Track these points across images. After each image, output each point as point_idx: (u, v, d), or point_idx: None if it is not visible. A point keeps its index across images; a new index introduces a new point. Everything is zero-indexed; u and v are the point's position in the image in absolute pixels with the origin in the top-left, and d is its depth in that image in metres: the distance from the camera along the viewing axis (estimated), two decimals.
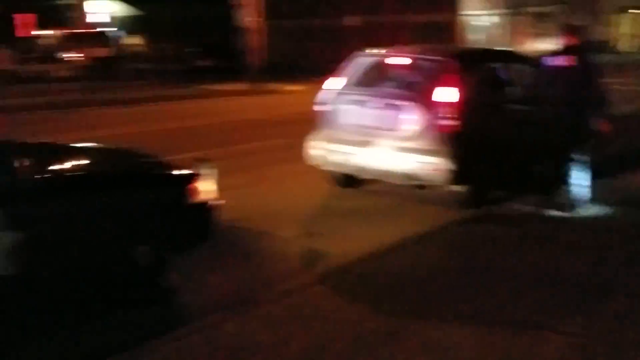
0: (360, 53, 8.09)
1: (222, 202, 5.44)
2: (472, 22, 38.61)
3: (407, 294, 4.95)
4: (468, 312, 4.61)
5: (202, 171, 5.32)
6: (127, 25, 36.36)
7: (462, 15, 37.19)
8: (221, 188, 8.02)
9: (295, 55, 39.12)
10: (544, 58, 7.18)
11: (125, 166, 5.46)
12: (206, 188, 5.29)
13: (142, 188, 5.03)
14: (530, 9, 41.06)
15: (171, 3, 36.80)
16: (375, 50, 8.11)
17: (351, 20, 33.74)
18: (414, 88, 7.28)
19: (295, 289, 5.05)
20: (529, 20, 42.14)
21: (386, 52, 7.91)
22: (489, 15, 39.34)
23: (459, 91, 6.97)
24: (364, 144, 7.36)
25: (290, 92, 22.82)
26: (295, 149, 8.69)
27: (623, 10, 52.17)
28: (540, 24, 43.46)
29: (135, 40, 36.17)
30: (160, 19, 37.04)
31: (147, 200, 4.93)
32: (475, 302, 4.78)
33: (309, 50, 39.04)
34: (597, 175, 7.80)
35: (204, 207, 5.31)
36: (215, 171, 5.44)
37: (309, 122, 8.12)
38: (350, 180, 8.14)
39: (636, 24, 51.60)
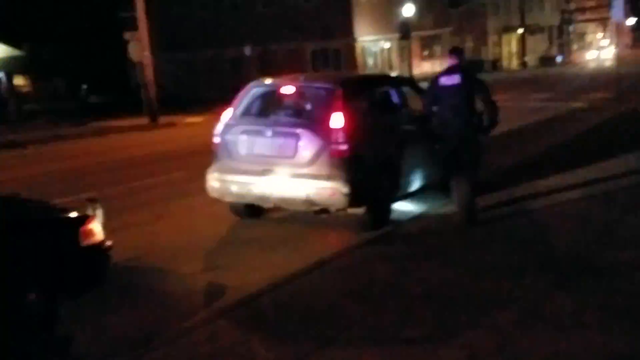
0: (255, 83, 8.15)
1: (110, 243, 5.29)
2: (368, 47, 39.72)
3: (310, 320, 4.96)
4: (371, 333, 4.68)
5: (91, 212, 5.17)
6: (7, 66, 34.80)
7: (357, 41, 38.16)
8: (120, 227, 7.88)
9: (195, 87, 38.92)
10: (435, 78, 7.55)
11: (9, 213, 5.21)
12: (98, 229, 5.14)
13: (30, 235, 4.82)
14: (420, 33, 42.69)
15: (58, 41, 35.66)
16: (268, 80, 8.19)
17: (250, 50, 33.89)
18: (306, 115, 7.41)
19: (197, 326, 4.96)
20: (420, 43, 43.81)
21: (278, 81, 8.01)
22: (383, 40, 40.57)
23: (348, 116, 7.13)
24: (262, 172, 7.37)
25: (191, 124, 22.60)
26: (196, 182, 8.60)
27: (506, 30, 55.28)
28: (430, 47, 45.36)
29: (19, 81, 34.74)
30: (45, 58, 35.79)
31: (35, 246, 4.73)
32: (377, 322, 4.86)
33: (209, 81, 38.95)
34: (486, 187, 8.16)
35: (98, 249, 5.16)
36: (101, 212, 5.31)
37: (210, 153, 8.06)
38: (251, 210, 8.13)
39: (519, 43, 54.65)
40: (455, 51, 7.56)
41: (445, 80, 7.29)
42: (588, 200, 8.07)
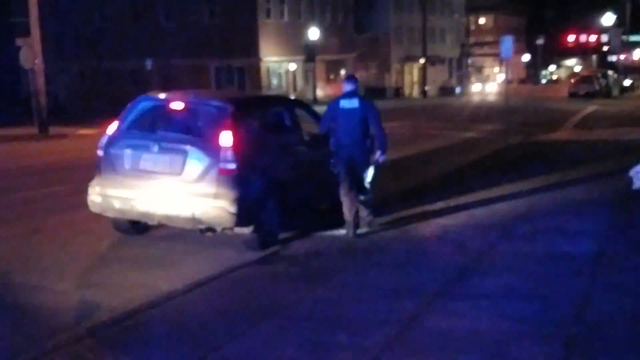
0: (143, 97, 7.98)
1: None
2: (273, 68, 39.96)
3: (183, 341, 4.87)
4: (242, 353, 4.65)
5: None
6: None
7: (263, 61, 38.32)
8: None
9: (92, 98, 37.80)
10: (335, 100, 8.05)
11: None
12: None
13: None
14: (326, 57, 43.43)
15: None
16: (158, 95, 8.04)
17: (152, 64, 33.29)
18: (195, 132, 7.31)
19: (61, 345, 4.75)
20: (325, 67, 44.56)
21: (168, 96, 7.87)
22: (288, 61, 40.94)
23: (238, 135, 7.10)
24: (146, 188, 7.20)
25: (83, 136, 21.83)
26: (80, 196, 8.27)
27: (409, 60, 57.14)
28: (335, 71, 46.26)
29: None
30: None
31: None
32: (251, 342, 4.84)
33: (107, 93, 37.94)
34: (375, 210, 8.33)
35: None
36: None
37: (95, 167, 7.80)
38: (135, 227, 7.91)
39: (420, 73, 56.58)
40: (351, 78, 8.17)
41: (344, 104, 7.85)
42: (469, 227, 8.36)
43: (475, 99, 50.48)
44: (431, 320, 5.23)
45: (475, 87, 61.67)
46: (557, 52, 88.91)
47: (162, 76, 35.53)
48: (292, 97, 11.15)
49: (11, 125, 23.12)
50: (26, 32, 21.79)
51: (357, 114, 7.77)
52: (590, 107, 33.44)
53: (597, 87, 45.88)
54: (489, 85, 63.08)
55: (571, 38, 77.06)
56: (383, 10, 53.62)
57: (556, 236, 7.79)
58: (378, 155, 7.90)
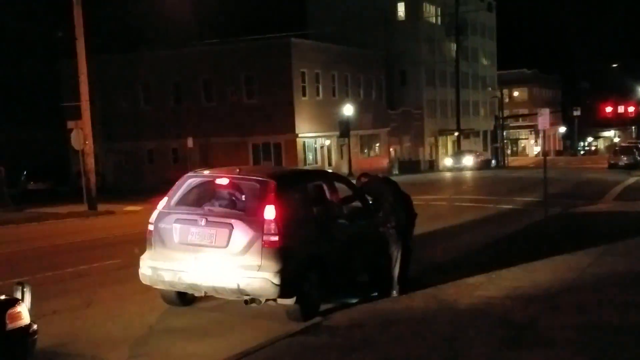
0: (191, 173, 8.40)
1: (36, 327, 5.30)
2: (308, 143, 40.80)
3: None
4: None
5: (19, 295, 5.22)
6: None
7: (298, 136, 39.19)
8: (49, 312, 7.81)
9: (137, 176, 39.07)
10: (371, 180, 9.18)
11: None
12: (25, 313, 5.18)
13: None
14: (359, 132, 44.19)
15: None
16: (204, 171, 8.46)
17: (192, 142, 34.39)
18: (240, 206, 7.66)
19: None
20: (359, 141, 45.27)
21: (214, 172, 8.28)
22: (323, 137, 41.80)
23: (280, 209, 7.41)
24: (194, 261, 7.50)
25: (130, 212, 22.52)
26: (129, 269, 8.63)
27: (442, 133, 57.61)
28: (369, 145, 46.93)
29: None
30: None
31: None
32: None
33: (151, 171, 39.21)
34: (416, 283, 8.44)
35: (23, 333, 5.16)
36: (29, 296, 5.35)
37: (145, 241, 8.14)
38: (183, 298, 8.18)
39: (454, 145, 56.81)
40: (365, 174, 9.68)
41: (380, 182, 9.38)
42: (512, 299, 8.24)
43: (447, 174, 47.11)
44: None
45: (447, 161, 54.91)
46: (594, 123, 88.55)
47: (202, 153, 36.62)
48: (333, 172, 11.58)
49: (61, 203, 23.98)
50: (76, 115, 22.89)
51: (396, 190, 9.11)
52: (632, 179, 32.73)
53: (638, 158, 45.04)
54: (465, 158, 52.04)
55: (608, 109, 76.58)
56: (415, 85, 54.64)
57: (602, 308, 7.64)
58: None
